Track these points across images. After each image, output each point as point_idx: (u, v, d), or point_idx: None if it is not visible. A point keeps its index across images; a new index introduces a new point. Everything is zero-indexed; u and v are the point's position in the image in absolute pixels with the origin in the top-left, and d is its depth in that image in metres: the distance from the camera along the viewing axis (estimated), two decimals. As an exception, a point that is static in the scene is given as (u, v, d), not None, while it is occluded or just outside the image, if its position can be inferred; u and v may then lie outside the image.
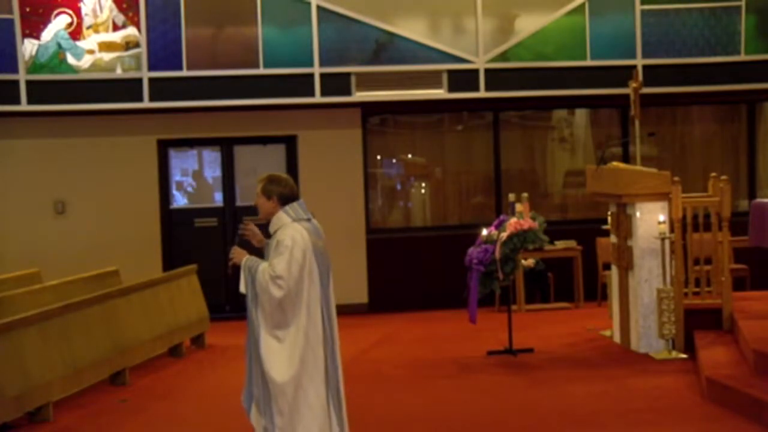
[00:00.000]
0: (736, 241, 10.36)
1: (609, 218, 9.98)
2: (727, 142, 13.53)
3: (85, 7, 11.60)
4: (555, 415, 7.17)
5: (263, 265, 5.38)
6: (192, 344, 10.52)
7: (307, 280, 5.38)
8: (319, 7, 11.82)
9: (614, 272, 9.90)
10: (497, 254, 9.13)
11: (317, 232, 5.53)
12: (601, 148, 11.93)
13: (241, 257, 5.48)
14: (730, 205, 9.16)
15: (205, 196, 12.86)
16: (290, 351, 5.36)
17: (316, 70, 11.89)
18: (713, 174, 9.56)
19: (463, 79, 12.09)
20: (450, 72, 12.09)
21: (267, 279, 5.31)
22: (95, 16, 11.62)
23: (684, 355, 8.82)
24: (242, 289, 5.45)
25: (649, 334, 9.12)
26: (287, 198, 5.50)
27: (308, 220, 5.51)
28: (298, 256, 5.34)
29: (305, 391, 5.36)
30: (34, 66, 11.53)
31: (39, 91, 11.57)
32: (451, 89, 12.11)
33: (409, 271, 12.58)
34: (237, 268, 5.53)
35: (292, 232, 5.39)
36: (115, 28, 11.65)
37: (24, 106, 11.58)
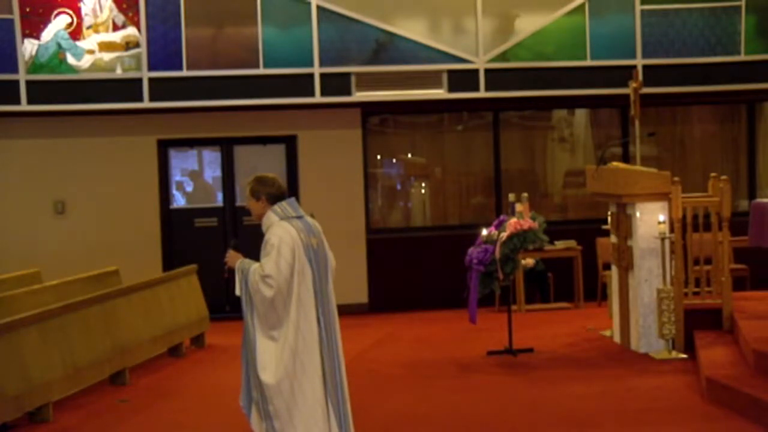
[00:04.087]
0: (736, 241, 10.35)
1: (609, 218, 9.97)
2: (727, 142, 13.53)
3: (85, 7, 11.60)
4: (555, 414, 7.17)
5: (254, 266, 5.40)
6: (192, 344, 10.52)
7: (297, 277, 5.39)
8: (319, 7, 11.82)
9: (614, 272, 9.90)
10: (497, 254, 9.13)
11: (310, 229, 5.52)
12: (601, 148, 11.93)
13: (235, 260, 5.50)
14: (730, 205, 9.15)
15: (205, 196, 12.85)
16: (282, 348, 5.36)
17: (316, 70, 11.89)
18: (713, 174, 9.55)
19: (463, 79, 12.09)
20: (450, 72, 12.09)
21: (257, 279, 5.33)
22: (95, 16, 11.62)
23: (684, 355, 8.82)
24: (237, 291, 5.48)
25: (649, 334, 9.12)
26: (276, 197, 5.53)
27: (299, 218, 5.51)
28: (286, 254, 5.34)
29: (302, 386, 5.36)
30: (34, 66, 11.53)
31: (39, 91, 11.57)
32: (451, 89, 12.10)
33: (409, 271, 12.58)
34: (232, 272, 5.55)
35: (278, 230, 5.40)
36: (115, 28, 11.65)
37: (24, 106, 11.58)
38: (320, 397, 5.41)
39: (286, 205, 5.51)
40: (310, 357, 5.40)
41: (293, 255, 5.36)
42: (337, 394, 5.50)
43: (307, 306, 5.42)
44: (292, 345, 5.36)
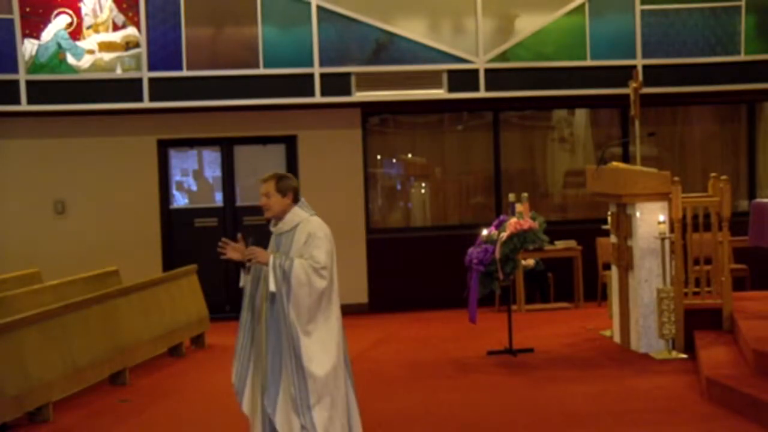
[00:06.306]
0: (736, 241, 10.36)
1: (609, 218, 9.98)
2: (727, 142, 13.53)
3: (85, 7, 11.60)
4: (555, 415, 7.17)
5: (298, 260, 5.33)
6: (192, 344, 10.52)
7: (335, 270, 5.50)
8: (319, 7, 11.82)
9: (614, 272, 9.90)
10: (497, 254, 9.13)
11: None
12: (601, 148, 11.93)
13: (265, 256, 5.39)
14: (730, 205, 9.16)
15: (205, 196, 12.85)
16: (329, 339, 5.41)
17: (316, 70, 11.89)
18: (713, 174, 9.55)
19: (463, 79, 12.09)
20: (450, 72, 12.09)
21: (309, 271, 5.29)
22: (95, 16, 11.62)
23: (684, 355, 8.82)
24: (272, 287, 5.32)
25: (649, 334, 9.12)
26: (298, 193, 5.57)
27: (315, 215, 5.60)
28: (330, 247, 5.43)
29: (340, 378, 5.46)
30: (34, 66, 11.53)
31: (39, 91, 11.57)
32: (451, 89, 12.10)
33: (409, 271, 12.58)
34: (242, 265, 5.55)
35: (319, 224, 5.47)
36: (115, 28, 11.65)
37: (24, 106, 11.58)
38: (348, 387, 5.58)
39: (306, 204, 5.58)
40: (344, 346, 5.53)
41: (333, 248, 5.45)
42: (352, 387, 5.67)
43: (338, 298, 5.53)
44: (335, 333, 5.44)
